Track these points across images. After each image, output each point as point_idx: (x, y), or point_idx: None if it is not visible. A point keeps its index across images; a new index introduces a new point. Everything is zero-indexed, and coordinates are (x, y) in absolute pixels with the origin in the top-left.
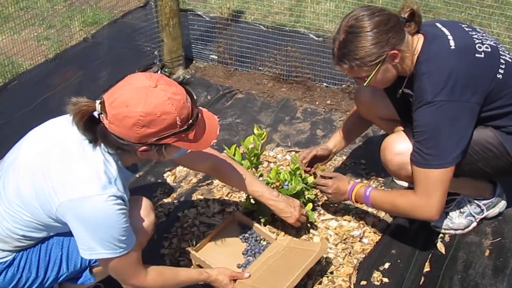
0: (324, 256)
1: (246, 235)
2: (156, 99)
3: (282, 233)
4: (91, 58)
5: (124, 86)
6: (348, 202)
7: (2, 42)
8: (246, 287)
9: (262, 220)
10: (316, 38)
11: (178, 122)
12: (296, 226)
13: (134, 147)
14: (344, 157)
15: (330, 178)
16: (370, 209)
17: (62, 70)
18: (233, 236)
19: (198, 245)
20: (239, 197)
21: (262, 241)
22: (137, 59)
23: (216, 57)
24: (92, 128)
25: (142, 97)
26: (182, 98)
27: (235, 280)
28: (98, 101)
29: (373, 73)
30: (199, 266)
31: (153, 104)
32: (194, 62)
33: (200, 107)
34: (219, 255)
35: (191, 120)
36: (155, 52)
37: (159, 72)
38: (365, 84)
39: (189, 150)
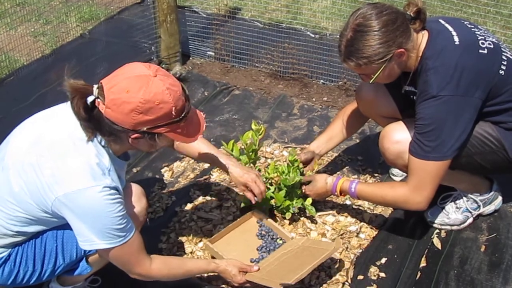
0: None
1: (263, 232)
2: (156, 88)
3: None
4: (88, 54)
5: (124, 73)
6: (345, 197)
7: None
8: (255, 278)
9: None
10: (313, 35)
11: (173, 113)
12: (255, 191)
13: (128, 133)
14: (341, 154)
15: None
16: (367, 205)
17: (59, 66)
18: (250, 233)
19: (213, 237)
20: (237, 192)
21: (278, 240)
22: (134, 55)
23: (213, 53)
24: (87, 113)
25: (143, 85)
26: (179, 90)
27: (244, 273)
28: (95, 86)
29: (380, 71)
30: (212, 257)
31: (153, 92)
32: (191, 58)
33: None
34: (233, 248)
35: (184, 112)
36: (152, 48)
37: None
38: (371, 81)
39: (178, 142)
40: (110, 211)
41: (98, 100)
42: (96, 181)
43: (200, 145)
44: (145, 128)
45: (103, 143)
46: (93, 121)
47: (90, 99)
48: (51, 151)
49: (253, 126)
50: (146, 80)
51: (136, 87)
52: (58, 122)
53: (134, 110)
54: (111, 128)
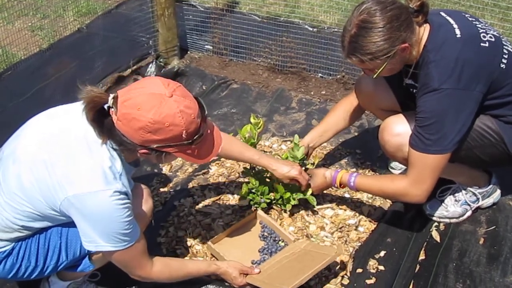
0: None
1: (265, 234)
2: (168, 109)
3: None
4: (86, 48)
5: (141, 88)
6: (344, 190)
7: None
8: (255, 281)
9: (259, 208)
10: (311, 29)
11: (183, 136)
12: (303, 184)
13: (136, 147)
14: (340, 147)
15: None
16: (365, 198)
17: (57, 60)
18: (252, 234)
19: (215, 237)
20: (236, 186)
21: (280, 242)
22: (132, 49)
23: (211, 47)
24: (100, 120)
25: (155, 104)
26: (193, 113)
27: (245, 275)
28: (111, 95)
29: (383, 66)
30: (213, 257)
31: (164, 113)
32: (189, 52)
33: (211, 121)
34: (235, 249)
35: (196, 136)
36: (150, 42)
37: (153, 62)
38: (374, 76)
39: (187, 162)
40: (118, 216)
41: (112, 109)
42: (108, 185)
43: (228, 144)
44: (154, 146)
45: (115, 146)
46: (105, 128)
47: (105, 106)
48: (65, 150)
49: (252, 120)
50: (159, 99)
51: (148, 106)
52: (73, 121)
53: (142, 128)
54: (121, 139)
